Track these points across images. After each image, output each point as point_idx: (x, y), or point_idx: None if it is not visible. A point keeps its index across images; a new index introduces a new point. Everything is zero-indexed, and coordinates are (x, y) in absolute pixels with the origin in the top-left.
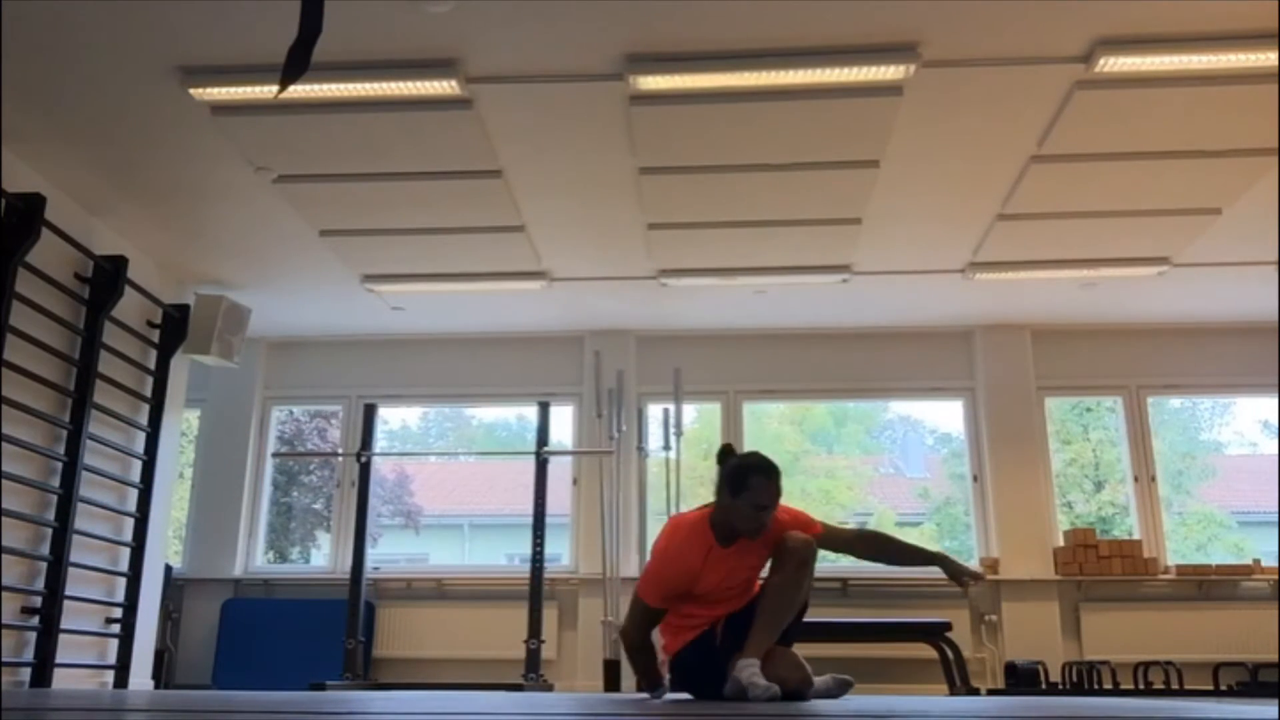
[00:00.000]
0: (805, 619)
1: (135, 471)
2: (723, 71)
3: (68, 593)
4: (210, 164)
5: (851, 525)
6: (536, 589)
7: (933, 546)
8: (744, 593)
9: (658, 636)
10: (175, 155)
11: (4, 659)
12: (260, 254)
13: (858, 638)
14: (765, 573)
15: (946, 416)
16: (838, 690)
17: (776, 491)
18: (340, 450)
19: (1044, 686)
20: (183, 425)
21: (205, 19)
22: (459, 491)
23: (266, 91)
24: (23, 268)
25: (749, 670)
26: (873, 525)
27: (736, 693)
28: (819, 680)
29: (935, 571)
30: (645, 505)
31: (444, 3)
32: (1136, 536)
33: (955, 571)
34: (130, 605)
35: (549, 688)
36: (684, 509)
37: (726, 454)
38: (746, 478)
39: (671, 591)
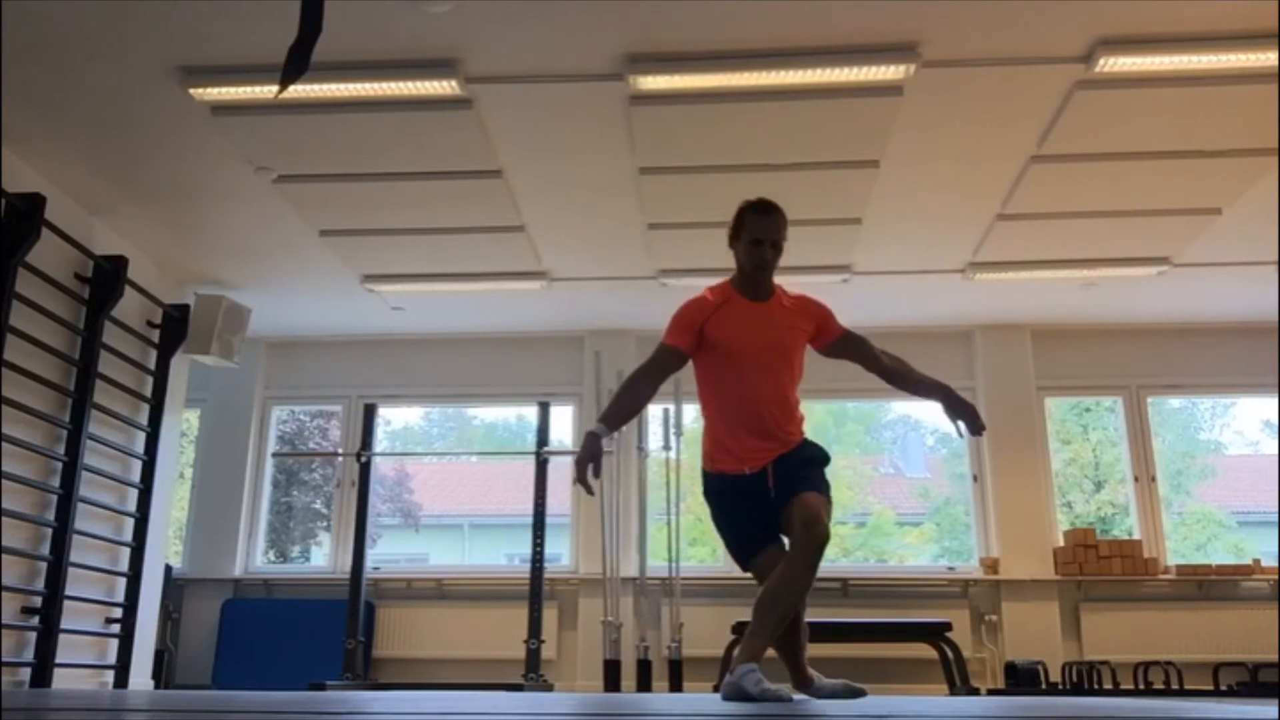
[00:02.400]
0: (806, 620)
1: (135, 471)
2: (723, 71)
3: (68, 593)
4: (210, 164)
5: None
6: (536, 589)
7: (932, 544)
8: (779, 365)
9: (703, 439)
10: (175, 155)
11: (4, 659)
12: (260, 254)
13: (858, 638)
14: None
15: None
16: (846, 694)
17: (772, 225)
18: (340, 450)
19: (1044, 686)
20: (183, 425)
21: (205, 19)
22: (459, 491)
23: (266, 91)
24: (23, 268)
25: (752, 677)
26: (872, 525)
27: (737, 695)
28: (830, 682)
29: (935, 571)
30: (645, 505)
31: (444, 3)
32: (1136, 536)
33: (955, 409)
34: (130, 605)
35: (549, 688)
36: (684, 510)
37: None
38: (742, 216)
39: (686, 323)
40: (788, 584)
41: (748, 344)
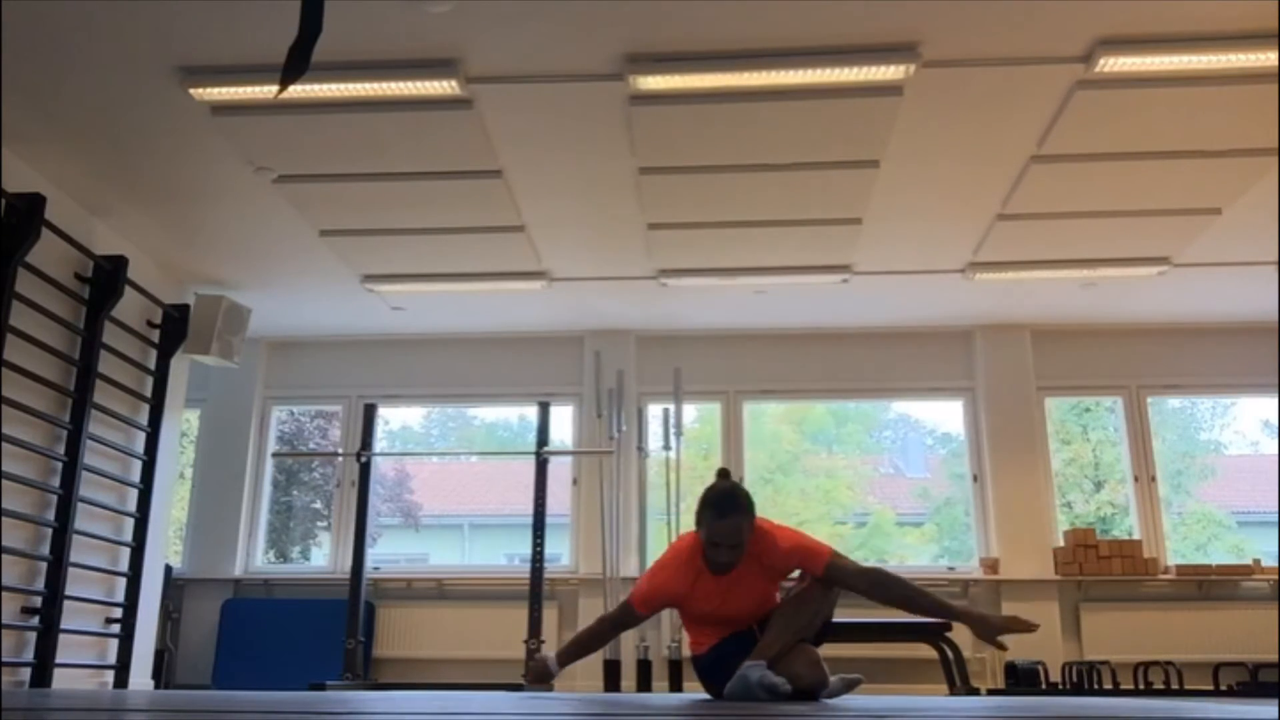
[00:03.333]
0: None
1: (135, 471)
2: (723, 71)
3: (68, 593)
4: (210, 164)
5: (869, 564)
6: (536, 589)
7: (932, 544)
8: (756, 608)
9: (690, 635)
10: (175, 155)
11: (4, 659)
12: (260, 254)
13: (858, 638)
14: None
15: (946, 416)
16: (844, 689)
17: (729, 530)
18: (340, 450)
19: (1044, 686)
20: (183, 425)
21: (205, 19)
22: (459, 491)
23: (266, 91)
24: (23, 268)
25: (756, 670)
26: (872, 525)
27: (741, 693)
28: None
29: (935, 572)
30: (645, 505)
31: (444, 3)
32: (1136, 536)
33: (986, 633)
34: (130, 605)
35: (549, 688)
36: (684, 510)
37: (718, 478)
38: (701, 513)
39: (657, 605)
40: (809, 604)
41: (722, 610)
